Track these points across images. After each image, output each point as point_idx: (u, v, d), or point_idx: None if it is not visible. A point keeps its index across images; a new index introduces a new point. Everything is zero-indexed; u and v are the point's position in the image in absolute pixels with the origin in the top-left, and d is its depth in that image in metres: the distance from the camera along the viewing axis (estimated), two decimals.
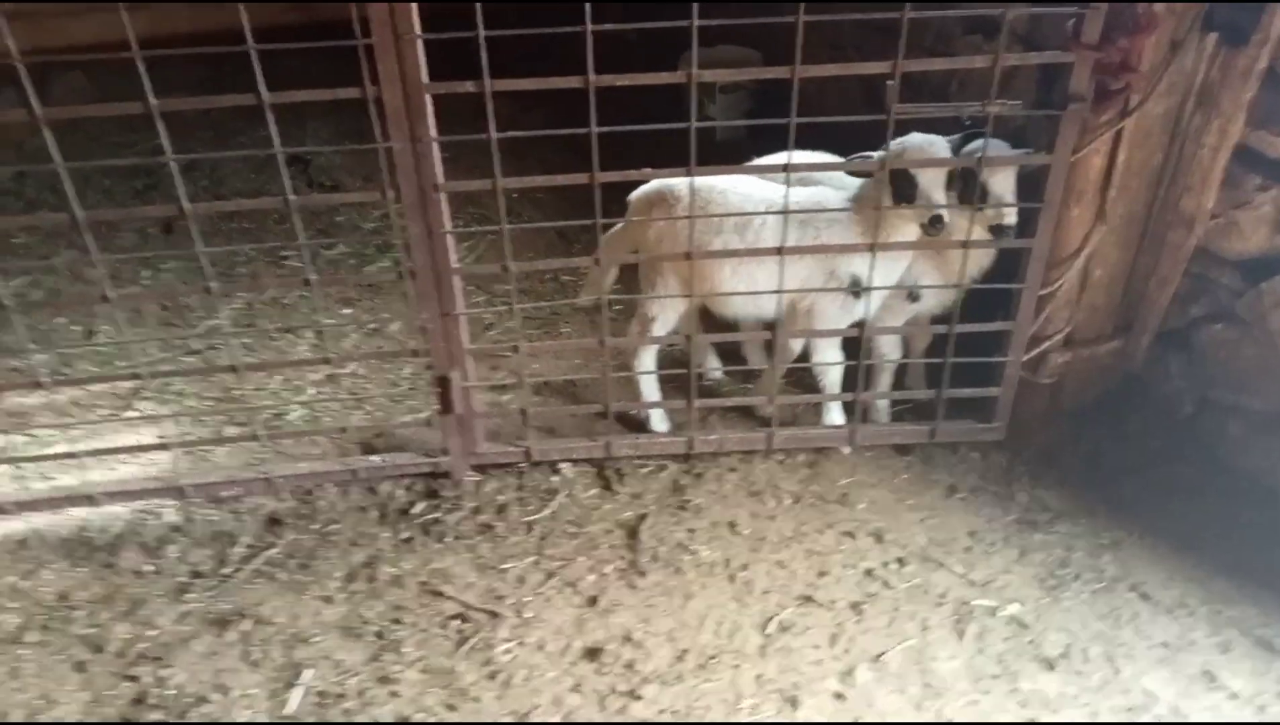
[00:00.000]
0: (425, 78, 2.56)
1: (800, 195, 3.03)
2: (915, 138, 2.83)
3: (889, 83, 2.55)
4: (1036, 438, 3.29)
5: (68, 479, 3.27)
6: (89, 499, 3.13)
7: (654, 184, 3.16)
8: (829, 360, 3.25)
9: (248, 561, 2.95)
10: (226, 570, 2.92)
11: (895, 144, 2.80)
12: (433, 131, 2.63)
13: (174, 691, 2.53)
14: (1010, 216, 2.86)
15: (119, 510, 3.15)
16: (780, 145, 2.86)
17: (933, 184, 2.81)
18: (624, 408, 3.36)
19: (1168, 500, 3.06)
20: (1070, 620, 2.69)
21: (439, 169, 2.71)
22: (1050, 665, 2.55)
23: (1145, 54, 2.66)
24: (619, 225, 3.27)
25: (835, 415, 3.37)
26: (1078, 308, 3.14)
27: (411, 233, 2.79)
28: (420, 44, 2.52)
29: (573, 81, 2.53)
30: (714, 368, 3.68)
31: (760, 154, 3.37)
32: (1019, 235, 2.91)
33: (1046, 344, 3.14)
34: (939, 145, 2.84)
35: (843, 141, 3.15)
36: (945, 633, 2.65)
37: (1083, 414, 3.34)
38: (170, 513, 3.15)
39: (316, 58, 2.27)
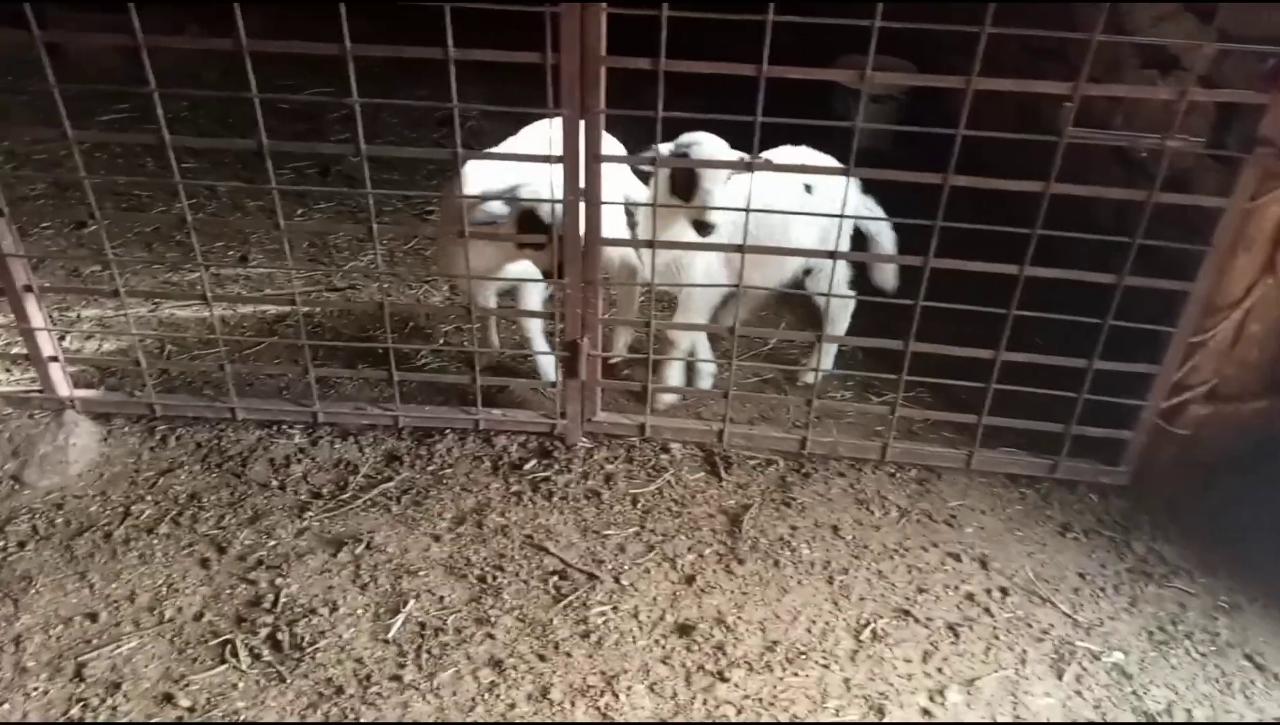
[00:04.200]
0: (604, 50, 2.63)
1: None
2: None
3: (1066, 104, 2.50)
4: (1163, 488, 3.17)
5: (209, 391, 3.49)
6: (230, 412, 3.33)
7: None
8: None
9: (365, 491, 3.09)
10: (345, 496, 3.07)
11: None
12: (602, 103, 2.70)
13: (286, 600, 2.68)
14: (711, 214, 2.92)
15: (254, 427, 3.34)
16: (924, 156, 2.86)
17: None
18: (743, 394, 3.38)
19: None
20: (1176, 678, 2.59)
21: (603, 140, 2.78)
22: (1150, 719, 2.47)
23: None
24: None
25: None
26: (1228, 361, 3.01)
27: (567, 199, 2.86)
28: (604, 16, 2.59)
29: (745, 69, 2.57)
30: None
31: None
32: (1179, 276, 2.81)
33: (1189, 394, 3.02)
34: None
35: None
36: (1043, 669, 2.59)
37: (1216, 470, 3.20)
38: (299, 436, 3.32)
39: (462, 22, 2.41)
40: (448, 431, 3.35)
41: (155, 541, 2.87)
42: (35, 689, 2.40)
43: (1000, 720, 2.39)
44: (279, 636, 2.57)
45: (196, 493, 3.06)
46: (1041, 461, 3.20)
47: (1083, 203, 2.88)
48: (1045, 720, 2.38)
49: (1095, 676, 2.58)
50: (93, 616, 2.61)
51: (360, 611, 2.67)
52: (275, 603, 2.68)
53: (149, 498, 3.04)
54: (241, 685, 2.43)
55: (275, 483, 3.13)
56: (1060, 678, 2.57)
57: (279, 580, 2.75)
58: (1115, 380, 3.01)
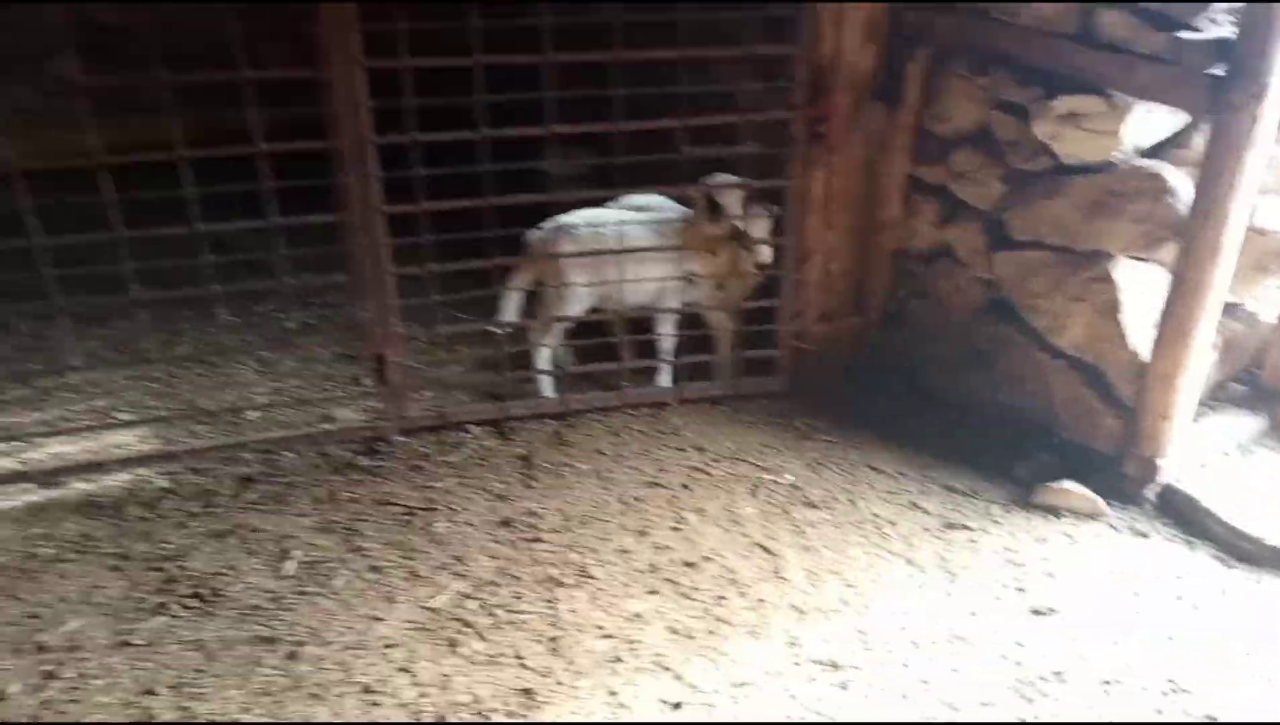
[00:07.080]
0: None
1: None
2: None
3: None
4: (807, 387, 4.66)
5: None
6: (99, 466, 4.00)
7: (550, 226, 4.49)
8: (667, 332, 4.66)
9: (231, 505, 3.87)
10: (217, 511, 3.85)
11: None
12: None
13: (196, 575, 3.45)
14: (765, 255, 4.39)
15: (117, 482, 4.01)
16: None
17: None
18: (524, 374, 4.53)
19: (894, 419, 4.46)
20: (827, 483, 3.99)
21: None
22: (813, 505, 3.83)
23: (837, 113, 4.17)
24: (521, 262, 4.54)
25: (665, 378, 4.69)
26: (826, 292, 4.58)
27: (359, 243, 3.91)
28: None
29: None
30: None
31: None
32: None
33: (808, 318, 4.55)
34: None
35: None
36: (744, 494, 3.90)
37: (838, 371, 4.74)
38: (161, 479, 4.04)
39: None
40: (284, 452, 4.20)
41: (65, 565, 3.45)
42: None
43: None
44: (200, 592, 3.34)
45: (87, 533, 3.66)
46: (728, 384, 4.59)
47: None
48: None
49: (777, 492, 3.92)
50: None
51: (258, 566, 3.47)
52: (187, 577, 3.42)
53: (43, 544, 3.60)
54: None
55: (152, 517, 3.82)
56: (755, 496, 3.88)
57: (183, 562, 3.48)
58: (766, 319, 4.47)
